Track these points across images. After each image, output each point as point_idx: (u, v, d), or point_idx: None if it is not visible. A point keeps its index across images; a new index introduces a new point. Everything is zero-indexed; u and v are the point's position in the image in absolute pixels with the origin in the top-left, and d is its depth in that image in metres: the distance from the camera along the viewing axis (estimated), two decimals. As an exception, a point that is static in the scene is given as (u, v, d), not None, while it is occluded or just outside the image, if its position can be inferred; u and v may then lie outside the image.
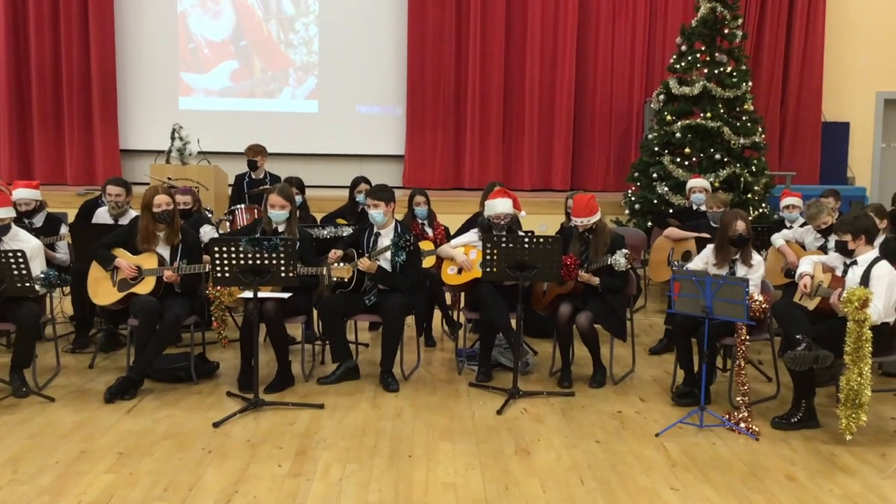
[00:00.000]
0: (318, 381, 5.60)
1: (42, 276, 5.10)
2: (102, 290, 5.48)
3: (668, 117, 9.26)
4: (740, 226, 5.25)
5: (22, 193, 6.39)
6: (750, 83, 9.29)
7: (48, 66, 11.26)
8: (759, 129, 9.30)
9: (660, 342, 6.68)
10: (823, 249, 6.16)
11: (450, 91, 11.59)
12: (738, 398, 4.93)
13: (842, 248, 4.94)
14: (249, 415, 4.91)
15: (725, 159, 8.99)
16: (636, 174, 9.56)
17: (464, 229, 6.57)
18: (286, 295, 5.32)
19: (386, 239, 5.65)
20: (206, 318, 5.77)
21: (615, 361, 5.84)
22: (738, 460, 4.37)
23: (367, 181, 7.11)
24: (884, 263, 4.78)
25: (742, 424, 4.78)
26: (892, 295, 4.71)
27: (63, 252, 6.42)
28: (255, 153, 8.26)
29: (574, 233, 5.67)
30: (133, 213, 6.26)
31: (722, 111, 9.09)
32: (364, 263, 5.51)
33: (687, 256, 6.81)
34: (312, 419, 4.87)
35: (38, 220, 6.46)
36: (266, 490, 3.88)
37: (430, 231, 6.84)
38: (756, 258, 5.34)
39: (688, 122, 9.12)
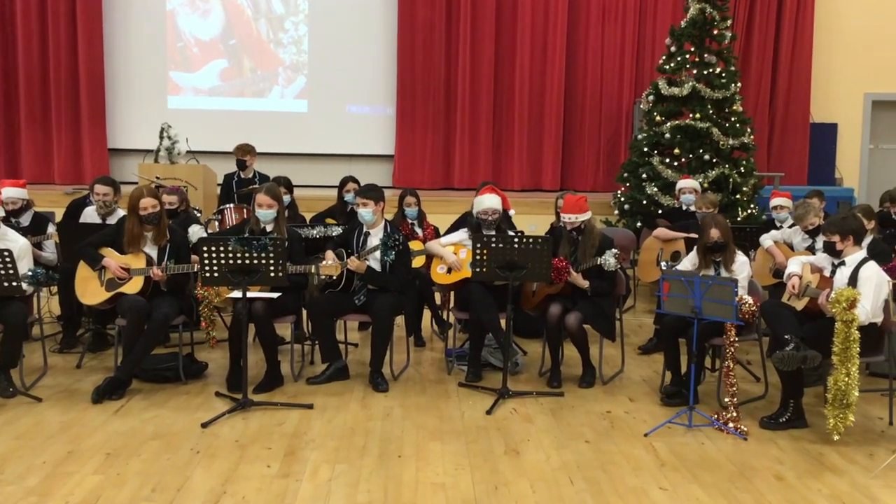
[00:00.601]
0: (308, 381, 5.59)
1: (29, 274, 5.07)
2: (90, 290, 5.44)
3: (658, 118, 9.29)
4: (714, 233, 5.27)
5: (9, 192, 6.35)
6: (739, 84, 9.33)
7: (36, 64, 11.21)
8: (748, 130, 9.34)
9: (649, 342, 6.70)
10: (811, 250, 6.18)
11: (440, 91, 11.59)
12: (726, 398, 4.94)
13: (830, 249, 4.96)
14: (238, 415, 4.89)
15: (714, 160, 9.03)
16: (625, 175, 9.59)
17: (453, 229, 6.57)
18: (275, 295, 5.30)
19: (375, 238, 5.64)
20: (194, 318, 5.75)
21: (604, 361, 5.85)
22: (727, 460, 4.38)
23: (356, 181, 7.11)
24: (872, 264, 4.81)
25: (731, 424, 4.80)
26: (879, 295, 4.74)
27: (50, 251, 6.39)
28: (244, 152, 8.24)
29: (563, 233, 5.68)
30: (121, 213, 6.22)
31: (711, 112, 9.13)
32: (353, 263, 5.50)
33: (676, 257, 6.83)
34: (301, 419, 4.86)
35: (26, 220, 6.43)
36: (255, 490, 3.86)
37: (419, 231, 6.83)
38: (740, 259, 5.35)
39: (677, 122, 9.16)
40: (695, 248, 5.54)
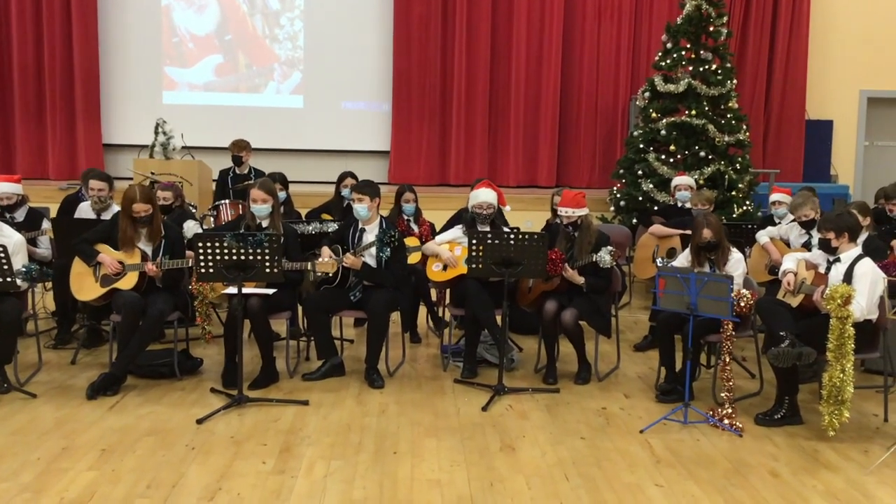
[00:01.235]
0: (303, 377, 5.58)
1: (24, 269, 5.05)
2: (85, 286, 5.43)
3: (654, 114, 9.29)
4: (706, 233, 5.27)
5: (3, 188, 6.31)
6: (734, 81, 9.34)
7: (30, 59, 11.14)
8: (744, 127, 9.35)
9: (644, 339, 6.70)
10: (807, 246, 6.19)
11: (436, 87, 11.57)
12: (721, 395, 4.95)
13: (825, 246, 4.96)
14: (233, 411, 4.88)
15: (710, 157, 9.03)
16: (621, 171, 9.59)
17: (448, 226, 6.56)
18: (271, 290, 5.29)
19: (371, 235, 5.63)
20: (189, 314, 5.73)
21: (600, 358, 5.85)
22: (722, 457, 4.39)
23: (354, 176, 7.10)
24: (867, 261, 4.81)
25: (726, 421, 4.80)
26: (874, 292, 4.75)
27: (45, 247, 6.36)
28: (240, 148, 8.22)
29: (560, 229, 5.67)
30: (116, 208, 6.20)
31: (707, 109, 9.13)
32: (349, 259, 5.49)
33: (672, 253, 6.83)
34: (297, 416, 4.85)
35: (20, 215, 6.39)
36: (250, 487, 3.86)
37: (415, 227, 6.82)
38: (734, 257, 5.34)
39: (673, 119, 9.16)
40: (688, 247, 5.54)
